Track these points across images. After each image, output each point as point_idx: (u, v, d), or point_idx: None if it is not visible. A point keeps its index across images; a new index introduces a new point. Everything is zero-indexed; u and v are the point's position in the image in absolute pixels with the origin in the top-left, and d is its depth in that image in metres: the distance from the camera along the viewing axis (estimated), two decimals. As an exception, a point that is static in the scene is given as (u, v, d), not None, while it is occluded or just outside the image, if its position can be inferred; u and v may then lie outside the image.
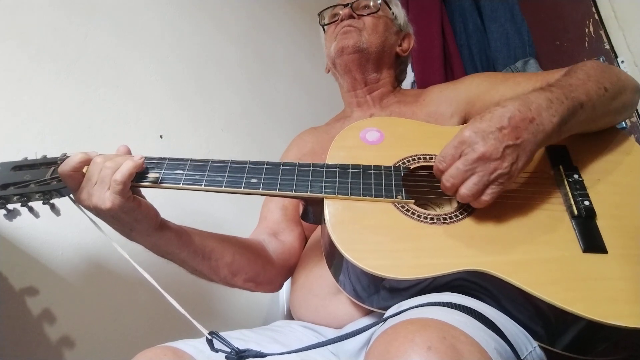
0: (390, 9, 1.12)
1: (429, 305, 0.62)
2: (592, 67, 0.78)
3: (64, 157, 0.76)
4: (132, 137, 1.28)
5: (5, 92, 1.07)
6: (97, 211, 0.71)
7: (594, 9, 1.54)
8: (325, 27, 1.15)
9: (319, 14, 1.17)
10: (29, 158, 0.77)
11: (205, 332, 0.67)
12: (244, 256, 0.88)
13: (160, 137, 1.34)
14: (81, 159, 0.70)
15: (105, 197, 0.69)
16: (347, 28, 1.05)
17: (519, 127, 0.65)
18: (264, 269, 0.92)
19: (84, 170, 0.72)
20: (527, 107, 0.67)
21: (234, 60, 1.67)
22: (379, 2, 1.09)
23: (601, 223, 0.70)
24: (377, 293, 0.71)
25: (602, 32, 1.52)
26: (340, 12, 1.08)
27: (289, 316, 1.01)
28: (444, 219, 0.72)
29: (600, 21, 1.53)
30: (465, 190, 0.67)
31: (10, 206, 0.72)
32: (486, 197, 0.67)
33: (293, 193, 0.75)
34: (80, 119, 1.18)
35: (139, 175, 0.73)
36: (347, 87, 1.11)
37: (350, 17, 1.07)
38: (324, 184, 0.75)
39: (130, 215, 0.72)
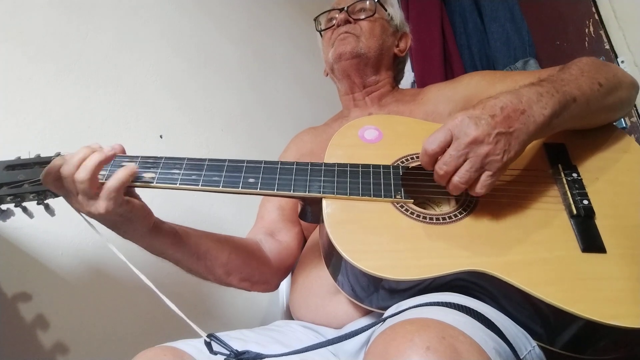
0: (385, 10, 1.11)
1: (428, 305, 0.62)
2: (586, 63, 0.78)
3: (56, 158, 0.75)
4: (132, 137, 1.28)
5: (5, 92, 1.07)
6: (91, 216, 0.71)
7: (594, 9, 1.54)
8: (322, 32, 1.15)
9: (314, 19, 1.17)
10: (22, 157, 0.76)
11: (204, 334, 0.67)
12: (239, 256, 0.88)
13: (160, 137, 1.34)
14: (59, 167, 0.68)
15: (98, 205, 0.68)
16: (344, 34, 1.05)
17: (510, 117, 0.66)
18: (260, 269, 0.92)
19: None
20: (519, 100, 0.67)
21: (234, 60, 1.68)
22: (374, 4, 1.08)
23: (600, 222, 0.70)
24: (376, 293, 0.71)
25: (602, 32, 1.52)
26: (336, 17, 1.08)
27: (289, 316, 1.01)
28: (443, 218, 0.72)
29: (600, 21, 1.53)
30: (457, 177, 0.66)
31: (3, 206, 0.72)
32: (481, 188, 0.66)
33: (291, 193, 0.75)
34: (80, 119, 1.18)
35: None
36: (345, 90, 1.11)
37: (347, 22, 1.06)
38: (322, 184, 0.75)
39: (124, 217, 0.72)
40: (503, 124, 0.65)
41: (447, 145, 0.66)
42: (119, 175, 0.68)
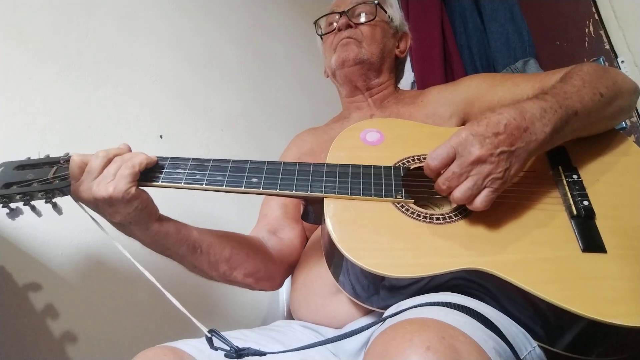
0: (385, 11, 1.11)
1: (427, 305, 0.62)
2: (588, 72, 0.78)
3: (67, 157, 0.76)
4: (132, 137, 1.28)
5: (5, 92, 1.07)
6: (96, 201, 0.70)
7: (594, 9, 1.54)
8: (322, 36, 1.14)
9: (314, 23, 1.16)
10: (32, 157, 0.78)
11: (205, 329, 0.67)
12: (242, 251, 0.88)
13: (160, 137, 1.34)
14: (86, 159, 0.72)
15: (108, 185, 0.69)
16: (346, 40, 1.05)
17: (513, 135, 0.66)
18: (264, 265, 0.92)
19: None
20: (522, 116, 0.68)
21: (234, 60, 1.68)
22: (374, 7, 1.08)
23: (600, 223, 0.70)
24: (376, 292, 0.71)
25: (602, 32, 1.52)
26: (336, 20, 1.07)
27: (289, 316, 1.01)
28: (444, 218, 0.72)
29: (600, 21, 1.53)
30: (459, 194, 0.67)
31: (13, 205, 0.73)
32: (481, 203, 0.67)
33: (293, 192, 0.75)
34: (80, 119, 1.18)
35: (142, 175, 0.73)
36: (347, 94, 1.11)
37: (348, 26, 1.06)
38: (324, 184, 0.76)
39: (131, 205, 0.71)
40: (506, 142, 0.66)
41: (450, 161, 0.67)
42: (139, 157, 0.72)
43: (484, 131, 0.66)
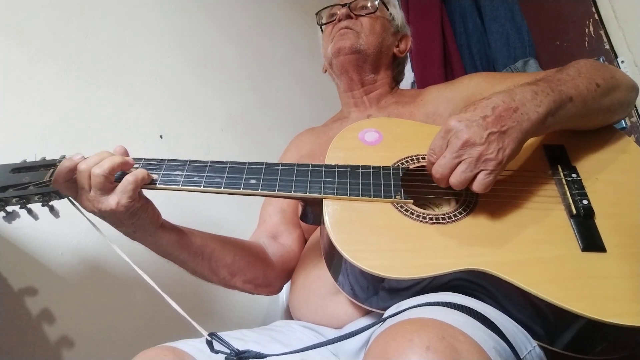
0: (387, 9, 1.12)
1: (427, 305, 0.62)
2: (584, 64, 0.79)
3: (63, 159, 0.76)
4: (132, 137, 1.28)
5: (5, 92, 1.07)
6: (102, 214, 0.71)
7: (594, 9, 1.54)
8: (322, 26, 1.15)
9: (316, 14, 1.17)
10: (28, 160, 0.77)
11: (205, 333, 0.67)
12: (243, 258, 0.89)
13: (160, 137, 1.34)
14: (68, 168, 0.70)
15: (110, 199, 0.69)
16: (344, 30, 1.05)
17: (502, 116, 0.66)
18: (264, 272, 0.92)
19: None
20: (511, 98, 0.68)
21: (234, 60, 1.68)
22: (376, 2, 1.09)
23: (599, 222, 0.70)
24: (376, 293, 0.71)
25: (602, 32, 1.52)
26: (338, 12, 1.08)
27: (289, 316, 1.01)
28: (443, 218, 0.72)
29: (600, 21, 1.53)
30: (454, 179, 0.67)
31: (9, 208, 0.73)
32: (478, 187, 0.66)
33: (292, 194, 0.75)
34: (80, 119, 1.18)
35: None
36: (344, 87, 1.11)
37: (348, 17, 1.06)
38: (322, 185, 0.76)
39: (135, 216, 0.72)
40: (495, 124, 0.66)
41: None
42: (138, 172, 0.71)
43: (471, 116, 0.66)
